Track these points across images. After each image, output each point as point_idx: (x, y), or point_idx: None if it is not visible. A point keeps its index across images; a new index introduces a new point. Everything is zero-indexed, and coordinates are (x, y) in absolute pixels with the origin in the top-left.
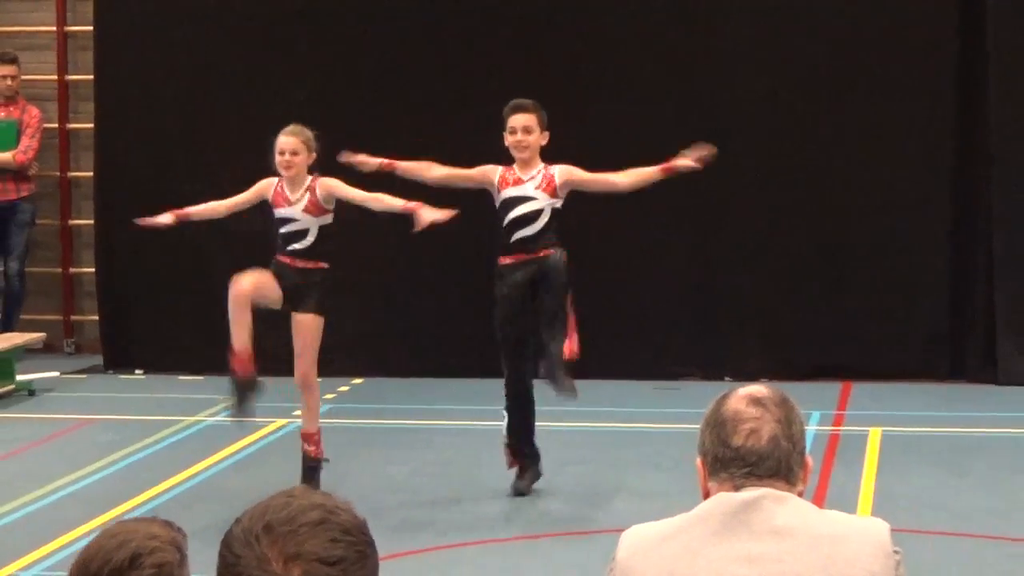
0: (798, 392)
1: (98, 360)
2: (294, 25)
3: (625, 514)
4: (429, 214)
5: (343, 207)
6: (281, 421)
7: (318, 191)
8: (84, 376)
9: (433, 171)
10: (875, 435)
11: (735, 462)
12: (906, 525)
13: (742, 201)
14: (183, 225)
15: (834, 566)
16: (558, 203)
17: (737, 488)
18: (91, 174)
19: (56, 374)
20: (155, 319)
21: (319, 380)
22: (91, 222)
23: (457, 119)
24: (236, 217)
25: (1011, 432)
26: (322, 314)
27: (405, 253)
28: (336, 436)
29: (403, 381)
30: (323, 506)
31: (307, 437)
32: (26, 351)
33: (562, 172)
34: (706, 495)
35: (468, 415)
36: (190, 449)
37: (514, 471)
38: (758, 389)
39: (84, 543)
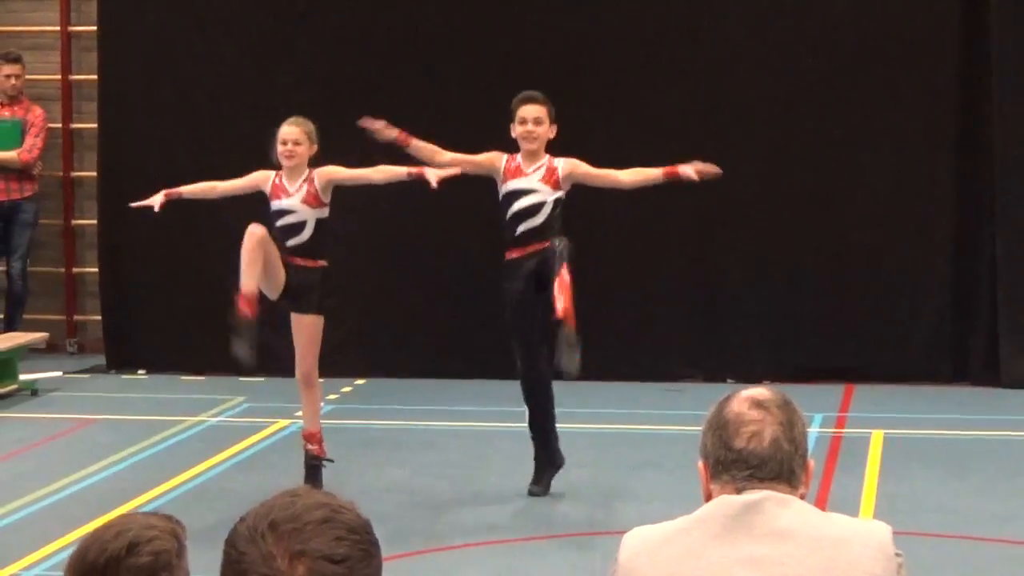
0: (800, 394)
1: (101, 360)
2: (297, 26)
3: (627, 516)
4: (435, 173)
5: (340, 202)
6: (284, 422)
7: (316, 182)
8: (87, 376)
9: (442, 156)
10: (877, 438)
11: (737, 464)
12: (908, 528)
13: (745, 204)
14: (174, 204)
15: (836, 569)
16: (561, 195)
17: (739, 491)
18: (94, 174)
19: (59, 374)
20: (158, 319)
21: (321, 380)
22: (94, 222)
23: (460, 118)
24: (240, 217)
25: (1013, 435)
26: (322, 313)
27: (408, 254)
28: (338, 436)
29: (406, 382)
30: (328, 505)
31: (309, 437)
32: (29, 351)
33: (566, 165)
34: (708, 498)
35: (471, 416)
36: (192, 449)
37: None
38: (760, 392)
39: None
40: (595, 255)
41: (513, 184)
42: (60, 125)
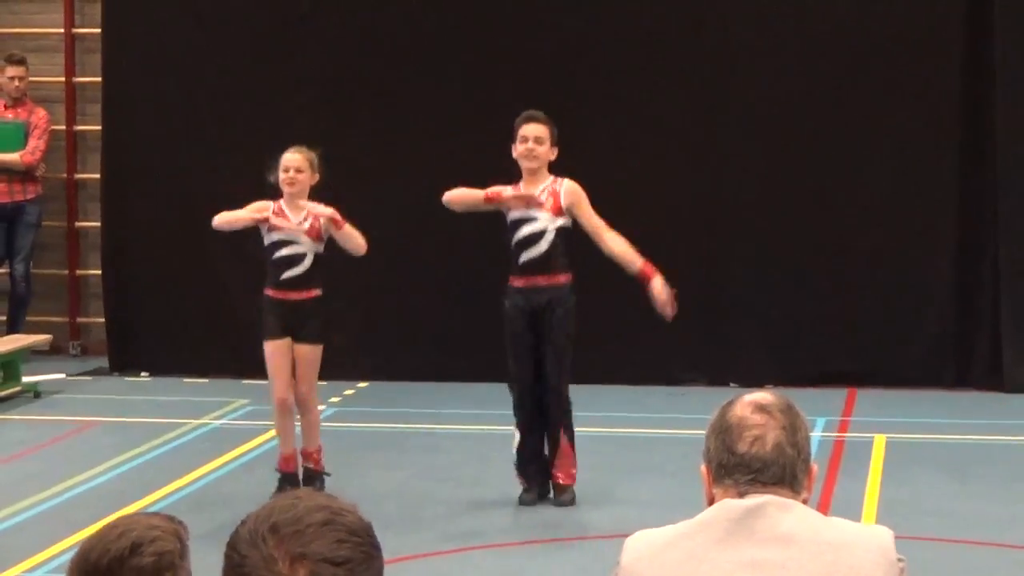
0: (803, 399)
1: (104, 362)
2: (300, 28)
3: (630, 520)
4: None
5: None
6: None
7: (322, 222)
8: (90, 378)
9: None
10: (880, 442)
11: (739, 469)
12: (910, 532)
13: (748, 208)
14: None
15: (838, 573)
16: (564, 222)
17: (741, 495)
18: (98, 176)
19: (62, 376)
20: (161, 322)
21: (324, 383)
22: (98, 224)
23: (461, 126)
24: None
25: (1016, 440)
26: (322, 342)
27: (411, 257)
28: (340, 440)
29: (408, 385)
30: (329, 507)
31: (307, 455)
32: (32, 353)
33: (568, 193)
34: (711, 501)
35: (473, 419)
36: (195, 452)
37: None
38: (763, 396)
39: None
40: (598, 258)
41: (517, 212)
42: (64, 127)
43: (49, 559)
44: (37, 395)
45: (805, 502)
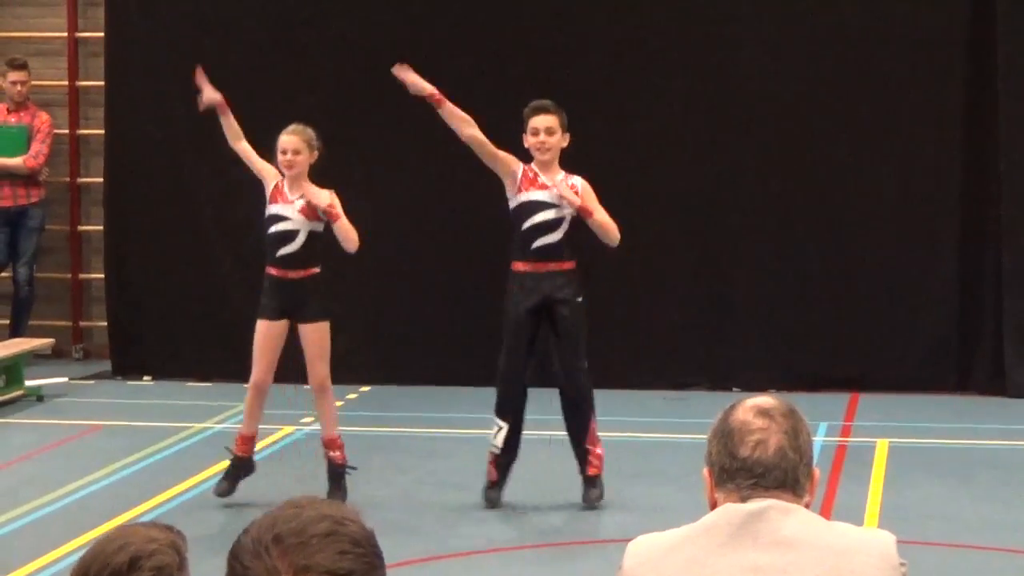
0: (805, 403)
1: (107, 366)
2: (303, 30)
3: (631, 524)
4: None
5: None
6: (288, 428)
7: (319, 208)
8: (92, 382)
9: (469, 128)
10: (882, 446)
11: (741, 473)
12: (913, 537)
13: (750, 212)
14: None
15: None
16: (574, 212)
17: (743, 499)
18: (101, 180)
19: (65, 380)
20: (164, 326)
21: None
22: (101, 228)
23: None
24: (247, 227)
25: (1018, 444)
26: (326, 318)
27: (414, 260)
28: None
29: (411, 389)
30: (332, 517)
31: (330, 443)
32: (35, 357)
33: (584, 190)
34: (713, 506)
35: (475, 424)
36: (198, 455)
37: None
38: (765, 400)
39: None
40: (602, 263)
41: (531, 195)
42: (67, 131)
43: (51, 563)
44: (40, 399)
45: (807, 506)
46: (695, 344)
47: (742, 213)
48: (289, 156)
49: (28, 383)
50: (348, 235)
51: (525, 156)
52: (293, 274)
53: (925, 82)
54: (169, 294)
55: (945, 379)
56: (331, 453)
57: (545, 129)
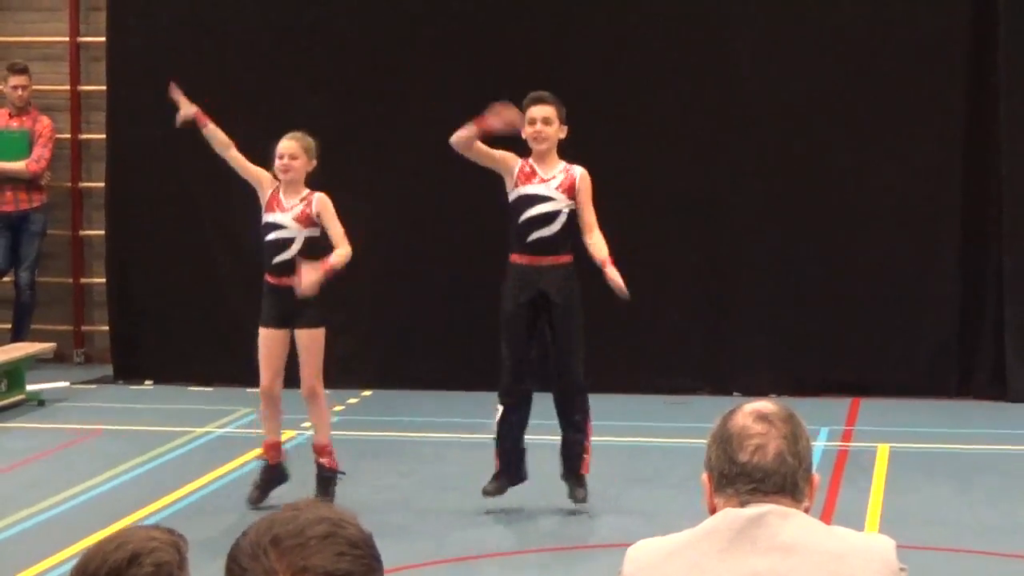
0: (806, 408)
1: (108, 370)
2: (305, 34)
3: (631, 529)
4: (309, 278)
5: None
6: (289, 432)
7: (314, 205)
8: (94, 386)
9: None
10: (883, 451)
11: (741, 478)
12: (913, 541)
13: (751, 215)
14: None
15: None
16: (574, 206)
17: (743, 504)
18: (103, 184)
19: (66, 384)
20: (165, 330)
21: (328, 392)
22: (102, 233)
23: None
24: (248, 231)
25: (1019, 449)
26: (321, 325)
27: (415, 265)
28: (344, 448)
29: (412, 393)
30: (330, 519)
31: (320, 449)
32: (36, 361)
33: (581, 180)
34: (712, 511)
35: (476, 428)
36: (199, 460)
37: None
38: (765, 405)
39: None
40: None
41: (528, 189)
42: (69, 135)
43: (52, 567)
44: (41, 403)
45: (807, 511)
46: (696, 348)
47: (743, 216)
48: (286, 160)
49: (29, 387)
50: (346, 260)
51: (522, 150)
52: (289, 281)
53: (926, 85)
54: (170, 299)
55: (946, 384)
56: (320, 459)
57: (542, 119)
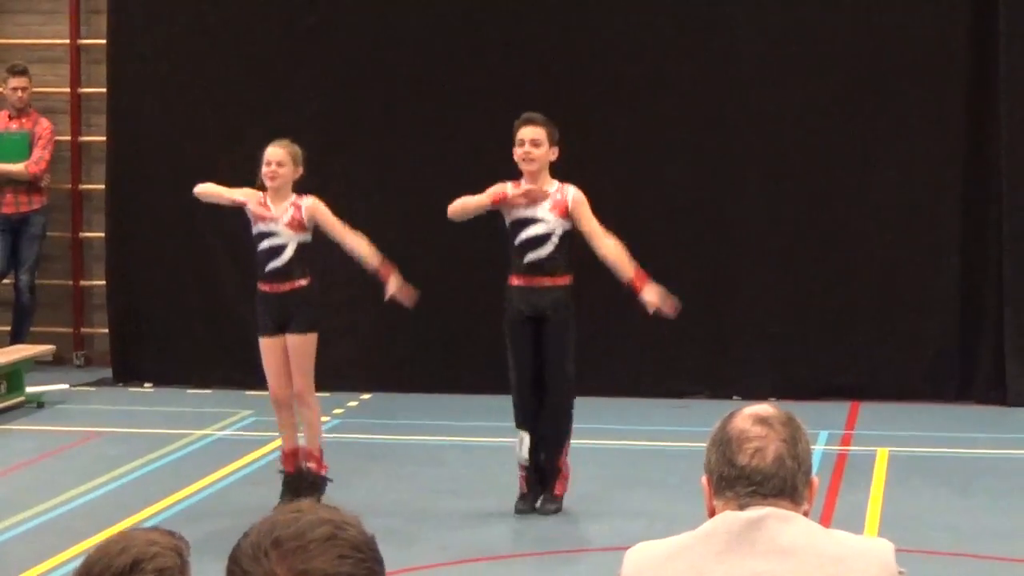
0: (806, 412)
1: (107, 373)
2: (305, 38)
3: (631, 532)
4: (396, 284)
5: (346, 216)
6: None
7: (303, 211)
8: (93, 389)
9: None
10: (883, 455)
11: (740, 481)
12: (913, 545)
13: (751, 222)
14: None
15: None
16: (569, 225)
17: (742, 507)
18: (103, 187)
19: (65, 386)
20: (165, 332)
21: (327, 395)
22: (102, 235)
23: (465, 136)
24: (247, 233)
25: (1019, 453)
26: (313, 331)
27: (414, 268)
28: (344, 451)
29: (412, 396)
30: (332, 521)
31: (307, 455)
32: (36, 363)
33: (575, 200)
34: (711, 513)
35: (477, 431)
36: (198, 462)
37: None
38: (764, 408)
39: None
40: (602, 272)
41: (521, 211)
42: (69, 138)
43: (52, 569)
44: (40, 405)
45: (806, 514)
46: (696, 352)
47: (742, 221)
48: (273, 167)
49: (29, 390)
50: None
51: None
52: (280, 287)
53: (927, 93)
54: (170, 301)
55: (945, 388)
56: (308, 464)
57: (531, 141)
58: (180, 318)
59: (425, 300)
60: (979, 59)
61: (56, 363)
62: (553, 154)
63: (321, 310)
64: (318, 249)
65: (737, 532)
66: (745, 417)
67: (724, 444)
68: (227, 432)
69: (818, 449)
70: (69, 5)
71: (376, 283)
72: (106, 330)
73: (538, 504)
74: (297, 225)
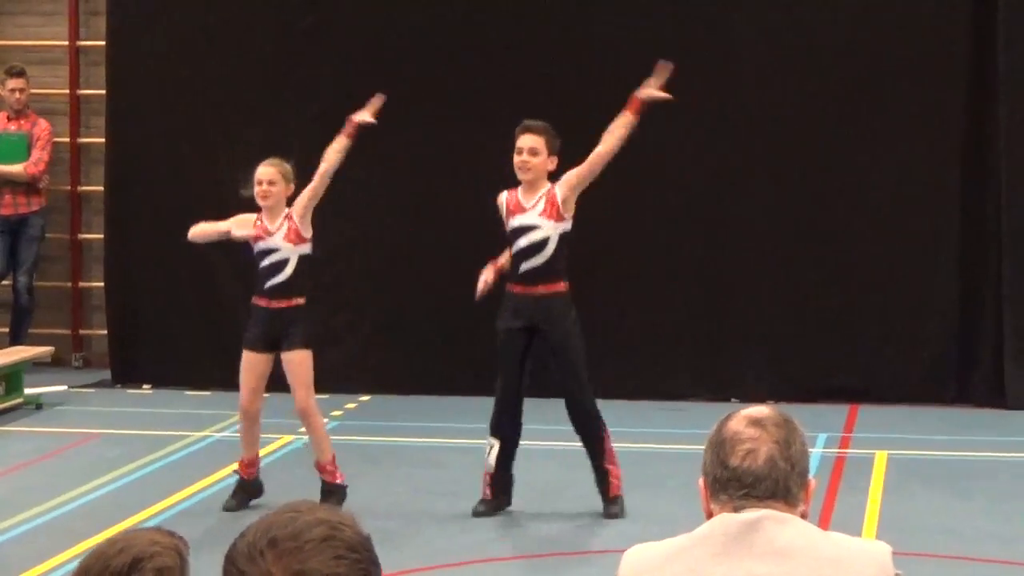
0: (804, 415)
1: (106, 374)
2: (306, 40)
3: (628, 534)
4: (362, 114)
5: (345, 216)
6: (288, 437)
7: (295, 217)
8: (92, 390)
9: None
10: (881, 458)
11: (732, 483)
12: (910, 548)
13: (749, 224)
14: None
15: None
16: (565, 227)
17: (736, 509)
18: (102, 188)
19: (64, 388)
20: (163, 334)
21: (325, 397)
22: (101, 237)
23: (464, 139)
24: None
25: (1017, 456)
26: (309, 347)
27: (413, 270)
28: (342, 453)
29: (410, 399)
30: (328, 522)
31: (322, 468)
32: (34, 365)
33: (561, 186)
34: (709, 516)
35: (474, 434)
36: (197, 464)
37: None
38: (759, 410)
39: None
40: (600, 273)
41: (516, 220)
42: (68, 139)
43: (51, 570)
44: (39, 407)
45: (803, 516)
46: (694, 354)
47: (741, 222)
48: (265, 187)
49: (27, 391)
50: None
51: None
52: (276, 303)
53: (926, 94)
54: (169, 303)
55: (944, 391)
56: (324, 476)
57: (528, 149)
58: (179, 320)
59: (424, 302)
60: (979, 59)
61: (55, 364)
62: (552, 163)
63: (315, 325)
64: (318, 267)
65: (734, 534)
66: (740, 419)
67: (718, 446)
68: (225, 434)
69: (816, 451)
70: (68, 7)
71: (376, 284)
72: (105, 332)
73: (602, 511)
74: (295, 236)
